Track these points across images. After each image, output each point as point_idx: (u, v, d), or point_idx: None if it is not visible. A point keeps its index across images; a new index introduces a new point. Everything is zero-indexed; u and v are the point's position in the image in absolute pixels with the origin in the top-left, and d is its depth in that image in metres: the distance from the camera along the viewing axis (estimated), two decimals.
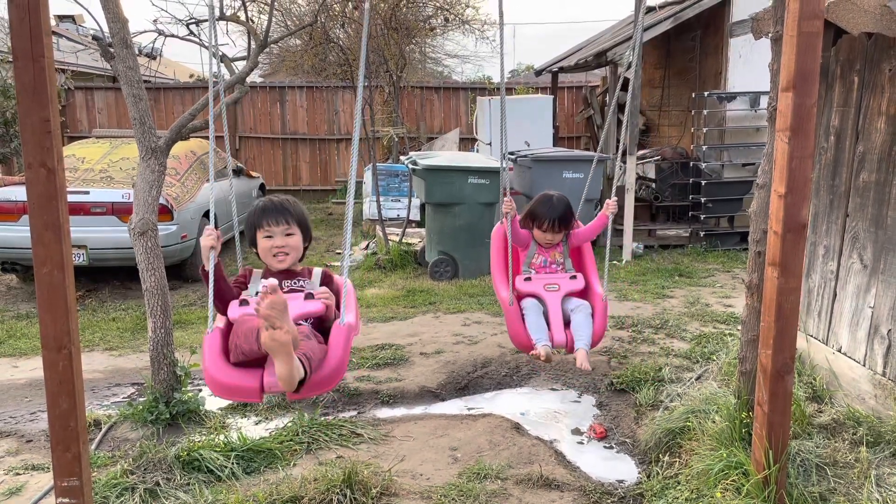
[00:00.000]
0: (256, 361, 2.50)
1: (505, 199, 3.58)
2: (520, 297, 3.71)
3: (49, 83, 2.37)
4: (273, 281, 2.17)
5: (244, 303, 2.59)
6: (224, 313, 2.63)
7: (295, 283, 2.76)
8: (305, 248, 2.87)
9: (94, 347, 5.82)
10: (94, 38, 5.00)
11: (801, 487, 2.97)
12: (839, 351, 3.88)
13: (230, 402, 4.55)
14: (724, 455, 3.15)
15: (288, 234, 2.76)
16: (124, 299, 7.55)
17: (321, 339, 2.60)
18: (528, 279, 3.72)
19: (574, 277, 3.77)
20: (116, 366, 5.37)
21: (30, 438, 4.08)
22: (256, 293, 2.53)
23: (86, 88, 14.22)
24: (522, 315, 3.63)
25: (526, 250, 3.89)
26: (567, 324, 3.66)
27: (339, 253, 9.44)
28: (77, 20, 19.87)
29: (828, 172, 4.00)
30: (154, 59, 7.26)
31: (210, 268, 2.58)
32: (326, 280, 2.79)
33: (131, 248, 4.26)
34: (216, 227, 2.75)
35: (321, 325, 2.70)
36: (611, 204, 3.85)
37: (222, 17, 5.21)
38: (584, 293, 3.82)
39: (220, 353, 2.53)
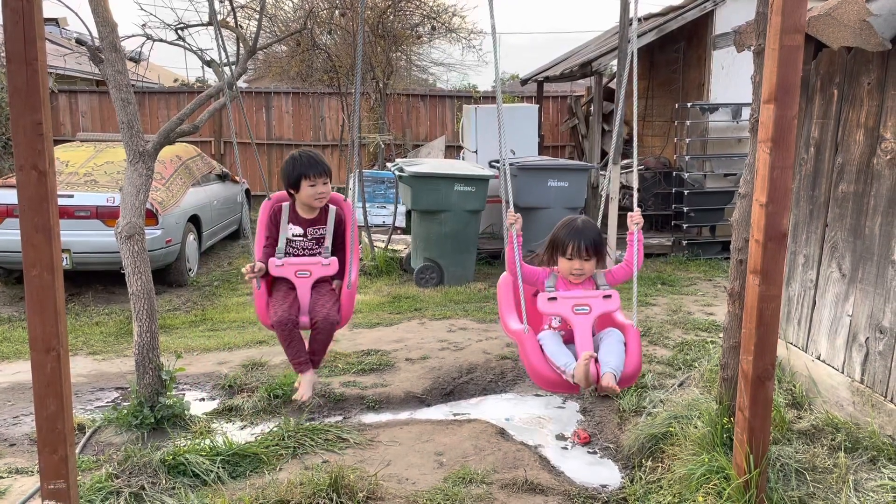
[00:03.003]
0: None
1: (509, 211, 2.95)
2: (541, 320, 3.13)
3: (42, 86, 2.39)
4: (303, 395, 3.42)
5: (280, 264, 3.39)
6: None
7: (317, 230, 3.51)
8: None
9: (78, 352, 5.78)
10: (79, 41, 4.99)
11: (781, 492, 3.03)
12: (818, 358, 3.95)
13: (216, 406, 4.59)
14: (706, 460, 3.20)
15: (325, 184, 3.45)
16: (108, 303, 7.50)
17: (336, 315, 3.40)
18: (553, 299, 2.96)
19: (608, 296, 2.99)
20: (100, 370, 5.35)
21: (13, 442, 4.06)
22: (287, 241, 3.47)
23: (70, 92, 14.14)
24: (541, 346, 3.00)
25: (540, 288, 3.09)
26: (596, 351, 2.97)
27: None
28: (60, 23, 19.74)
29: (808, 183, 4.08)
30: (138, 63, 7.24)
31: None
32: (339, 221, 3.55)
33: (115, 252, 4.25)
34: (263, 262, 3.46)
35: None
36: (635, 216, 3.02)
37: (211, 24, 5.21)
38: (613, 321, 3.16)
39: (266, 304, 3.38)
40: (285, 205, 3.52)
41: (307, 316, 3.36)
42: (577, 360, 2.85)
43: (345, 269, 3.46)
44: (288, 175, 3.46)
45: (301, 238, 3.49)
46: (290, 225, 3.50)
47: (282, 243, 3.46)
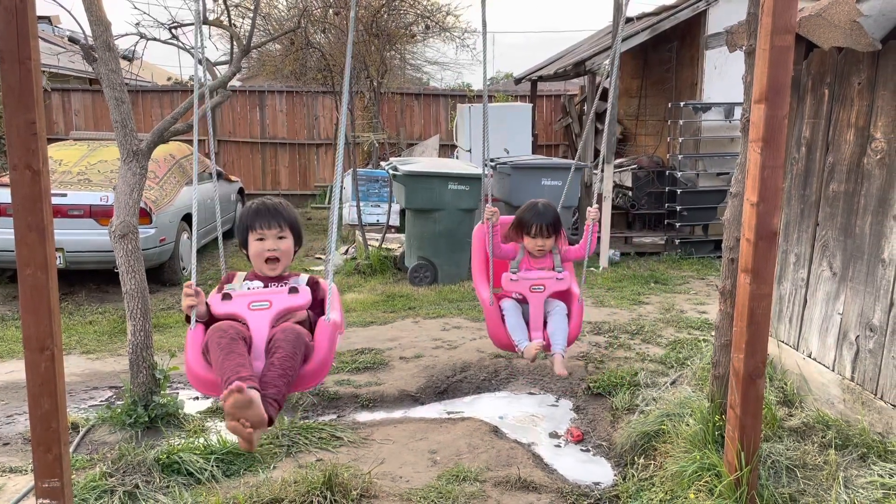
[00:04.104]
0: None
1: (487, 205, 3.58)
2: (504, 295, 3.75)
3: (35, 85, 2.39)
4: (238, 383, 2.11)
5: (227, 297, 2.57)
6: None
7: (282, 284, 2.71)
8: (295, 253, 2.84)
9: (71, 351, 5.77)
10: (71, 39, 4.97)
11: (772, 489, 3.05)
12: (809, 356, 3.97)
13: (209, 404, 4.56)
14: (698, 457, 3.22)
15: (280, 238, 2.73)
16: (101, 303, 7.49)
17: (307, 332, 2.55)
18: (515, 280, 3.70)
19: (561, 279, 3.73)
20: (94, 369, 5.34)
21: (7, 441, 4.06)
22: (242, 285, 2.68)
23: (63, 90, 14.08)
24: (502, 315, 3.67)
25: (509, 262, 3.85)
26: (545, 323, 3.69)
27: (319, 258, 9.44)
28: (53, 21, 19.68)
29: (799, 182, 4.11)
30: (131, 61, 7.24)
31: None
32: (312, 285, 2.71)
33: (109, 251, 4.24)
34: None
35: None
36: (592, 211, 3.77)
37: (206, 22, 5.22)
38: (562, 293, 3.81)
39: (201, 349, 2.50)
40: (241, 273, 2.82)
41: (261, 360, 2.41)
42: (529, 337, 3.59)
43: (324, 307, 2.59)
44: (237, 230, 2.86)
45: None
46: (247, 281, 2.73)
47: None
